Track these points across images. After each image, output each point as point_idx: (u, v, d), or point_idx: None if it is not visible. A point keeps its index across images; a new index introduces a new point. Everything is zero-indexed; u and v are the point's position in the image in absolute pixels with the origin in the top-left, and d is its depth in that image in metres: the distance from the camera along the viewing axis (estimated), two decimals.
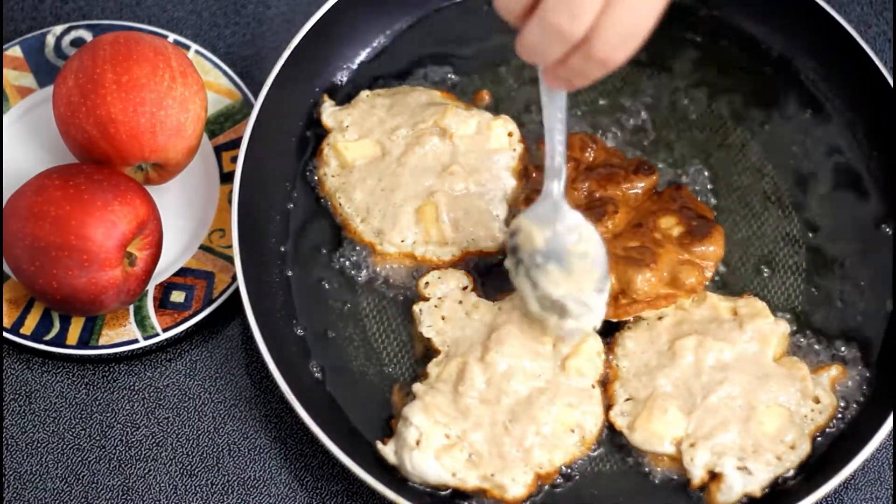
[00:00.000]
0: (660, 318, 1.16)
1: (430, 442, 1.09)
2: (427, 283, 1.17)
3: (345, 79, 1.26)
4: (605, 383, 1.14)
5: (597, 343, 1.14)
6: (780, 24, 1.26)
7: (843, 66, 1.24)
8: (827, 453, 1.12)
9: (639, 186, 1.20)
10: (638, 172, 1.20)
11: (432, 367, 1.14)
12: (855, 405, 1.14)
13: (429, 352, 1.16)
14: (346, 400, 1.15)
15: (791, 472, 1.11)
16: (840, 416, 1.13)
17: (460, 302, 1.16)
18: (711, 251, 1.16)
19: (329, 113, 1.23)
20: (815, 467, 1.11)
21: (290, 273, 1.19)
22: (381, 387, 1.16)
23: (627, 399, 1.13)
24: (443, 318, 1.16)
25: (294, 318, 1.18)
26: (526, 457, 1.10)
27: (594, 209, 1.17)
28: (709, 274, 1.16)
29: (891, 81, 1.20)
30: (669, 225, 1.17)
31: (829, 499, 1.14)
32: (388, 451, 1.11)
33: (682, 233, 1.17)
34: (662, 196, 1.20)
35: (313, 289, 1.19)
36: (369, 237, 1.18)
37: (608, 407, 1.13)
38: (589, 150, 1.21)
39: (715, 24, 1.28)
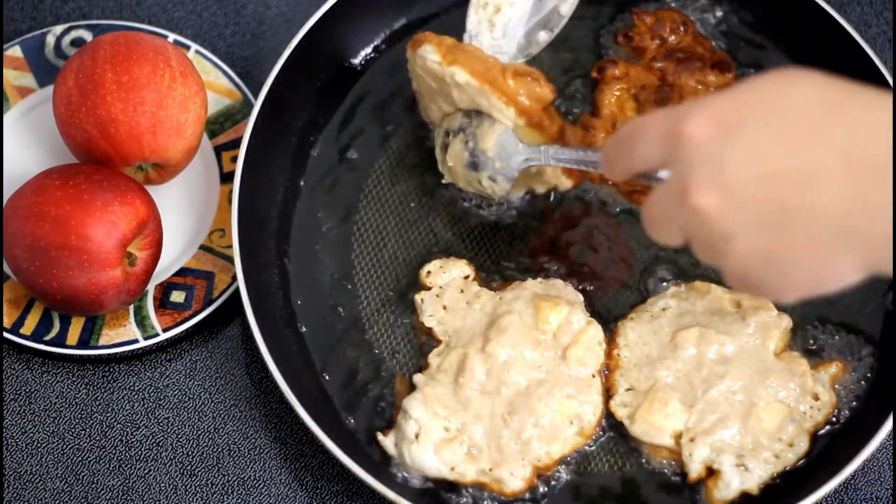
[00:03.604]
0: (663, 309, 1.16)
1: (429, 435, 1.10)
2: (429, 272, 1.18)
3: (345, 78, 1.26)
4: (606, 373, 1.14)
5: (598, 332, 1.15)
6: (779, 23, 1.26)
7: (844, 66, 1.24)
8: (827, 453, 1.12)
9: (711, 82, 1.21)
10: (715, 68, 1.21)
11: (433, 358, 1.14)
12: (855, 404, 1.14)
13: (430, 341, 1.16)
14: (346, 399, 1.15)
15: (790, 471, 1.11)
16: (840, 415, 1.14)
17: (462, 291, 1.17)
18: None
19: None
20: (815, 467, 1.11)
21: (289, 273, 1.19)
22: (382, 386, 1.16)
23: (628, 389, 1.13)
24: (444, 308, 1.16)
25: (294, 317, 1.18)
26: (524, 450, 1.10)
27: (659, 93, 1.19)
28: None
29: (891, 81, 1.20)
30: None
31: (829, 499, 1.14)
32: (387, 442, 1.11)
33: None
34: None
35: (313, 288, 1.19)
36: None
37: (608, 397, 1.14)
38: (678, 32, 1.22)
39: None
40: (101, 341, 1.17)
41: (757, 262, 0.88)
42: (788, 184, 0.85)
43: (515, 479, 1.10)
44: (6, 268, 1.18)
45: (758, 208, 0.86)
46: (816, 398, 1.13)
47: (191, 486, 1.15)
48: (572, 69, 1.26)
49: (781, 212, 0.86)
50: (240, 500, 1.15)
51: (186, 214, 1.23)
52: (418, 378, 1.13)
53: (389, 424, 1.13)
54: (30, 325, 1.17)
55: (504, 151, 1.13)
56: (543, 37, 1.20)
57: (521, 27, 1.19)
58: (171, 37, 1.27)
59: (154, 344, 1.18)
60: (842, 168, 0.84)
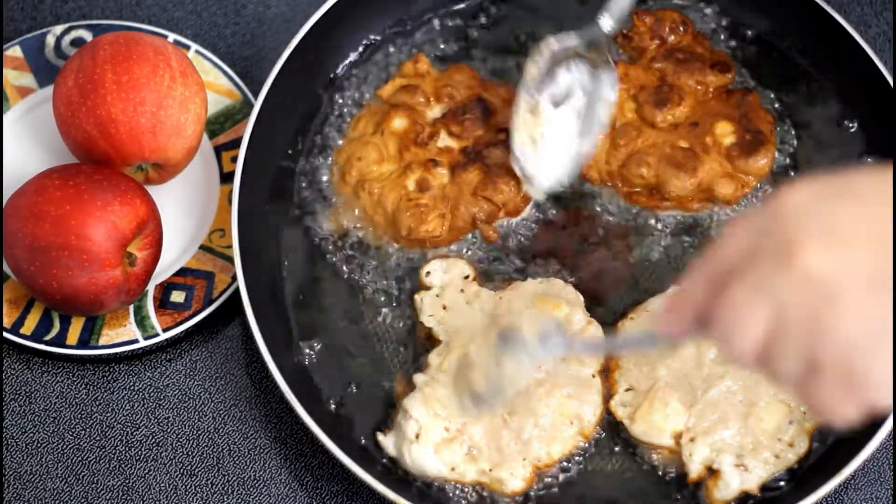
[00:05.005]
0: None
1: (429, 436, 1.09)
2: (428, 272, 1.18)
3: (345, 78, 1.26)
4: (606, 372, 1.14)
5: (597, 332, 1.15)
6: (779, 23, 1.26)
7: (844, 66, 1.24)
8: (827, 453, 1.12)
9: (710, 82, 1.21)
10: (714, 68, 1.21)
11: (433, 358, 1.14)
12: None
13: (430, 341, 1.16)
14: (346, 399, 1.15)
15: (790, 471, 1.11)
16: None
17: (462, 291, 1.17)
18: (755, 167, 1.19)
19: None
20: (815, 467, 1.11)
21: (289, 272, 1.19)
22: (382, 386, 1.16)
23: (628, 389, 1.13)
24: (444, 308, 1.16)
25: (294, 317, 1.18)
26: (524, 450, 1.10)
27: (658, 94, 1.20)
28: (748, 189, 1.19)
29: (891, 81, 1.20)
30: (724, 132, 1.19)
31: (829, 499, 1.14)
32: (387, 442, 1.11)
33: (732, 143, 1.19)
34: (730, 98, 1.21)
35: (314, 287, 1.19)
36: None
37: (608, 396, 1.13)
38: (678, 32, 1.22)
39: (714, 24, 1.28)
40: (101, 341, 1.17)
41: (866, 332, 0.77)
42: None
43: (515, 479, 1.10)
44: (6, 268, 1.18)
45: (870, 266, 0.77)
46: None
47: (191, 486, 1.15)
48: None
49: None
50: (240, 500, 1.15)
51: (186, 214, 1.23)
52: (418, 378, 1.12)
53: (389, 424, 1.13)
54: (30, 325, 1.17)
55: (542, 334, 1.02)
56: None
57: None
58: (171, 37, 1.27)
59: (154, 344, 1.17)
60: None
